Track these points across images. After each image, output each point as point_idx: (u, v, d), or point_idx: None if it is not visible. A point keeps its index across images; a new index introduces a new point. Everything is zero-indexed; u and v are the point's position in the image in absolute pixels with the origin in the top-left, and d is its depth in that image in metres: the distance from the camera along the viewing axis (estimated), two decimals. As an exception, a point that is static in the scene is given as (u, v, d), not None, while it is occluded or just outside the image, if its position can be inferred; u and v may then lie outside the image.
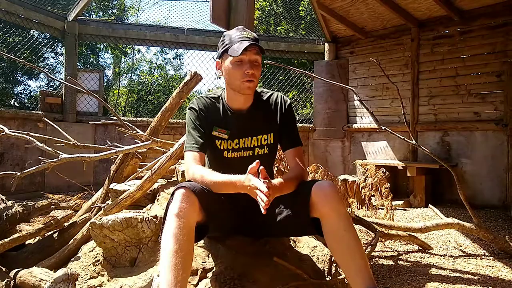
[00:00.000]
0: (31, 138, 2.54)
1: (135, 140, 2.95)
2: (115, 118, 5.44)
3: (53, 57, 11.12)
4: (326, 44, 7.17)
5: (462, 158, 5.46)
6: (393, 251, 3.21)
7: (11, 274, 2.01)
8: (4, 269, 2.08)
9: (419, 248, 3.24)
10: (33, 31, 8.94)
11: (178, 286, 1.29)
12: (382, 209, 4.24)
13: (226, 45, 1.65)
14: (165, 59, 14.32)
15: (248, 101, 1.73)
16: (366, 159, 6.34)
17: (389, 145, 6.27)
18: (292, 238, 1.95)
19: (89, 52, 11.64)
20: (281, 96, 1.81)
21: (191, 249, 1.42)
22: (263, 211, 1.34)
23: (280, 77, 8.50)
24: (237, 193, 1.46)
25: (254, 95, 1.75)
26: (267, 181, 1.39)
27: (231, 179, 1.48)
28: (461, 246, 3.35)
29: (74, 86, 3.02)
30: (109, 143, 2.91)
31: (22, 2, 6.06)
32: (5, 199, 2.76)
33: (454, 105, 5.60)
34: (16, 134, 2.56)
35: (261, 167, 1.42)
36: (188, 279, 1.43)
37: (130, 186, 2.51)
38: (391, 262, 2.91)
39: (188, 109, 1.75)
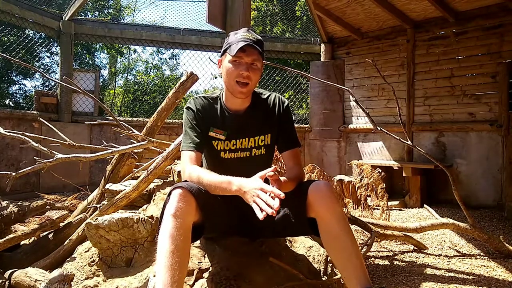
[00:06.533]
0: (26, 138, 2.53)
1: (131, 140, 2.95)
2: (110, 118, 5.43)
3: (48, 57, 11.09)
4: (322, 45, 7.18)
5: (457, 158, 5.49)
6: (388, 251, 3.22)
7: (6, 274, 2.00)
8: (-1, 269, 2.07)
9: (415, 248, 3.25)
10: (28, 31, 8.92)
11: (175, 286, 1.29)
12: (377, 209, 4.25)
13: (228, 43, 1.64)
14: (161, 59, 14.30)
15: (246, 102, 1.73)
16: (362, 160, 6.36)
17: (385, 145, 6.30)
18: (288, 238, 1.96)
19: (84, 52, 11.59)
20: (279, 97, 1.81)
21: (188, 249, 1.41)
22: (260, 215, 1.30)
23: (276, 78, 8.52)
24: (235, 196, 1.46)
25: (252, 96, 1.75)
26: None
27: (228, 179, 1.48)
28: (456, 246, 3.37)
29: (70, 86, 3.01)
30: (104, 143, 2.90)
31: (17, 2, 6.03)
32: (0, 199, 2.74)
33: (449, 106, 5.63)
34: (11, 134, 2.55)
35: (271, 173, 1.42)
36: (184, 279, 1.43)
37: (126, 186, 2.50)
38: (386, 262, 2.92)
39: (186, 108, 1.75)
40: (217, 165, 1.71)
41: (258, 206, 1.32)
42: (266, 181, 1.45)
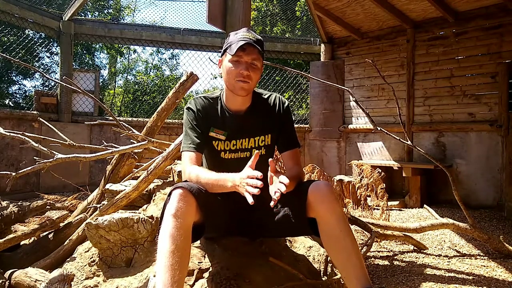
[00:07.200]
0: (26, 138, 2.53)
1: (131, 141, 2.95)
2: (110, 118, 5.43)
3: (48, 57, 11.08)
4: (322, 45, 7.18)
5: (457, 158, 5.49)
6: (388, 251, 3.22)
7: (6, 274, 2.00)
8: (-1, 269, 2.07)
9: (415, 248, 3.25)
10: (28, 31, 8.91)
11: (175, 286, 1.29)
12: (377, 209, 4.26)
13: (228, 43, 1.65)
14: (161, 59, 14.30)
15: (246, 102, 1.73)
16: (361, 160, 6.36)
17: (385, 145, 6.30)
18: (288, 238, 1.96)
19: (84, 52, 11.59)
20: (279, 97, 1.81)
21: (188, 249, 1.42)
22: (249, 199, 1.32)
23: (276, 78, 8.52)
24: (234, 193, 1.46)
25: (252, 96, 1.75)
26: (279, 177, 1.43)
27: (223, 176, 1.49)
28: (456, 246, 3.37)
29: (70, 86, 3.01)
30: (104, 143, 2.90)
31: (17, 2, 6.03)
32: (0, 200, 2.75)
33: (449, 106, 5.63)
34: (11, 134, 2.55)
35: (270, 159, 1.49)
36: (185, 279, 1.43)
37: (126, 186, 2.50)
38: (386, 262, 2.92)
39: (186, 109, 1.75)
40: (217, 165, 1.72)
41: (248, 192, 1.34)
42: (264, 179, 1.46)
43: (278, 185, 1.39)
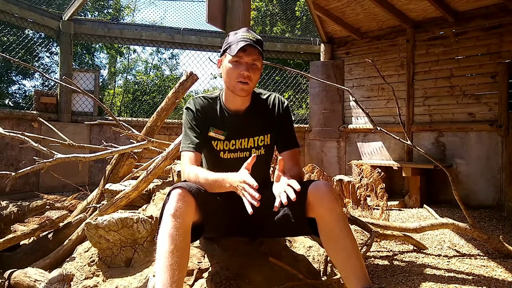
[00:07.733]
0: (26, 138, 2.53)
1: (131, 140, 2.95)
2: (110, 118, 5.43)
3: (48, 57, 11.08)
4: (322, 45, 7.18)
5: (456, 158, 5.49)
6: (388, 251, 3.22)
7: (5, 274, 2.00)
8: (-2, 269, 2.07)
9: (414, 248, 3.25)
10: (28, 31, 8.91)
11: (174, 286, 1.29)
12: (377, 209, 4.25)
13: (227, 43, 1.64)
14: (160, 59, 14.30)
15: (246, 102, 1.73)
16: (361, 160, 6.36)
17: (385, 145, 6.30)
18: (288, 238, 1.96)
19: (84, 51, 11.59)
20: (278, 97, 1.81)
21: (187, 249, 1.42)
22: (249, 209, 1.32)
23: (276, 78, 8.52)
24: (234, 193, 1.46)
25: (252, 96, 1.75)
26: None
27: (221, 176, 1.49)
28: (455, 246, 3.37)
29: (69, 86, 3.00)
30: (104, 143, 2.89)
31: (17, 1, 6.03)
32: (-1, 200, 2.74)
33: (449, 106, 5.63)
34: (11, 134, 2.54)
35: (280, 158, 1.48)
36: (184, 279, 1.43)
37: (125, 186, 2.50)
38: (386, 262, 2.92)
39: (185, 109, 1.75)
40: (216, 165, 1.71)
41: (246, 199, 1.33)
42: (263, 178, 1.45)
43: (286, 189, 1.37)
